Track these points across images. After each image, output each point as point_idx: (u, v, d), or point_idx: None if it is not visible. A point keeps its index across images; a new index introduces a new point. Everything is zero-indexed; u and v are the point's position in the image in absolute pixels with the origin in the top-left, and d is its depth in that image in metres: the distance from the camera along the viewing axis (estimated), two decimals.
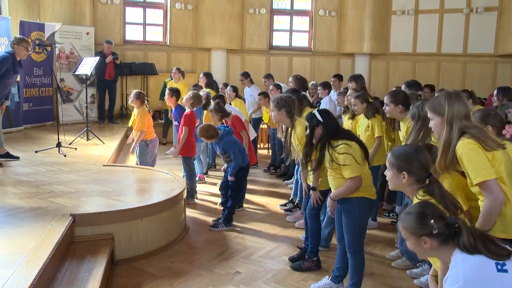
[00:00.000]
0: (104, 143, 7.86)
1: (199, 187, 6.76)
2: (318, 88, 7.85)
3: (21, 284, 2.90)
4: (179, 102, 6.93)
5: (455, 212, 2.34)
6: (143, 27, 12.22)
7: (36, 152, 6.96)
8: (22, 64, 6.45)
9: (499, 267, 1.90)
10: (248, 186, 6.47)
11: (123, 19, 11.88)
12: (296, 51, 12.98)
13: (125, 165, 6.93)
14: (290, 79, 7.74)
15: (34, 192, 4.95)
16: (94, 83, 10.62)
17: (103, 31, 11.37)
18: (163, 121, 10.30)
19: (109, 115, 10.61)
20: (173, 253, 4.60)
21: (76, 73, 8.96)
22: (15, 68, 6.18)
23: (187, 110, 6.32)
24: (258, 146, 9.72)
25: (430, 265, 2.79)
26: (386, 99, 4.58)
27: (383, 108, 4.75)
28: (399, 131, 4.73)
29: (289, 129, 4.40)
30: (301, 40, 13.11)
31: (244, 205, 6.13)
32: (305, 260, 4.34)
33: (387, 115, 4.72)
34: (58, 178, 5.57)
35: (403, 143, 4.51)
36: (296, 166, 5.81)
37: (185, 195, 5.28)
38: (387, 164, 2.64)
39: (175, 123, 7.08)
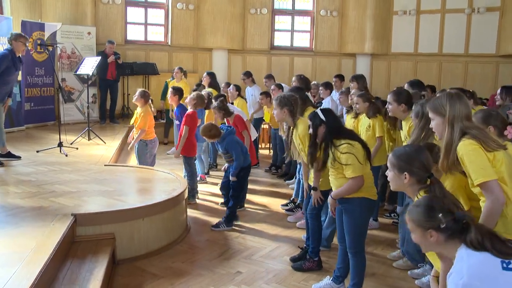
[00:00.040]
0: (105, 143, 7.87)
1: (200, 187, 6.75)
2: (320, 88, 7.84)
3: (23, 283, 2.90)
4: (181, 102, 6.92)
5: None
6: (144, 27, 12.22)
7: (37, 151, 6.97)
8: (22, 60, 6.45)
9: (505, 265, 1.89)
10: (250, 186, 6.48)
11: (124, 19, 11.88)
12: (298, 51, 12.97)
13: (127, 165, 6.93)
14: (294, 78, 7.73)
15: (35, 192, 4.96)
16: (95, 83, 10.63)
17: (104, 31, 11.37)
18: (164, 121, 10.31)
19: (111, 115, 10.62)
20: (174, 253, 4.60)
21: (78, 73, 8.97)
22: (15, 65, 6.19)
23: (189, 110, 6.32)
24: (260, 146, 9.71)
25: (431, 265, 2.79)
26: (389, 98, 4.58)
27: (386, 106, 4.74)
28: (400, 131, 4.73)
29: (291, 128, 4.39)
30: (303, 40, 13.10)
31: (246, 205, 6.13)
32: (307, 260, 4.34)
33: (389, 114, 4.71)
34: (60, 177, 5.58)
35: (404, 143, 4.51)
36: (298, 166, 5.80)
37: (186, 195, 5.28)
38: (388, 164, 2.64)
39: (176, 122, 7.08)
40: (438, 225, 2.02)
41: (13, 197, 4.77)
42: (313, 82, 8.92)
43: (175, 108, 6.94)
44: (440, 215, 2.03)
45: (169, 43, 12.20)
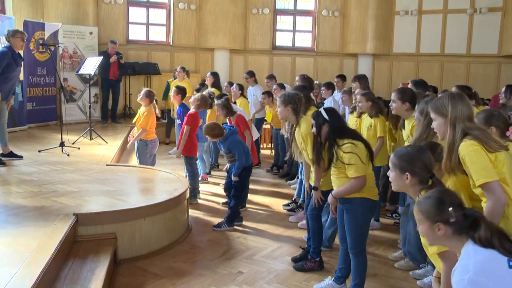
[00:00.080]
0: (107, 142, 7.88)
1: (202, 187, 6.76)
2: (322, 88, 7.84)
3: (25, 283, 2.90)
4: (183, 101, 6.92)
5: None
6: (146, 27, 12.24)
7: (39, 151, 6.98)
8: (22, 57, 6.45)
9: (511, 263, 1.88)
10: (251, 186, 6.48)
11: (126, 19, 11.89)
12: (299, 51, 12.97)
13: (128, 165, 6.94)
14: (297, 78, 7.72)
15: (37, 192, 4.97)
16: (97, 82, 10.65)
17: (106, 31, 11.39)
18: (166, 121, 10.31)
19: (112, 115, 10.63)
20: (176, 253, 4.60)
21: (79, 72, 8.97)
22: (16, 61, 6.20)
23: (192, 110, 6.32)
24: (261, 146, 9.71)
25: (433, 266, 2.79)
26: (393, 96, 4.57)
27: (390, 104, 4.73)
28: (402, 130, 4.71)
29: (294, 126, 4.38)
30: (304, 40, 13.10)
31: (247, 205, 6.13)
32: (308, 261, 4.34)
33: (393, 112, 4.70)
34: (61, 177, 5.58)
35: (406, 142, 4.51)
36: (300, 166, 5.80)
37: (188, 195, 5.28)
38: (390, 165, 2.63)
39: (178, 121, 7.08)
40: (447, 218, 2.01)
41: (15, 197, 4.78)
42: (315, 82, 8.92)
43: (177, 107, 6.93)
44: (451, 209, 2.02)
45: (171, 43, 12.21)
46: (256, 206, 6.27)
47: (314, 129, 3.75)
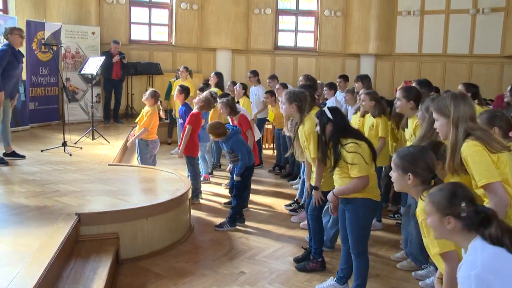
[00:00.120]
0: (109, 142, 7.88)
1: (204, 187, 6.76)
2: (324, 88, 7.83)
3: (27, 282, 2.91)
4: (186, 101, 6.92)
5: None
6: (148, 27, 12.24)
7: (42, 151, 6.99)
8: (23, 53, 6.46)
9: None
10: (253, 187, 6.47)
11: (128, 19, 11.90)
12: (302, 51, 12.97)
13: (131, 165, 6.94)
14: (301, 78, 7.70)
15: (39, 191, 4.97)
16: (99, 82, 10.66)
17: (108, 30, 11.40)
18: (168, 121, 10.32)
19: (115, 115, 10.64)
20: (178, 253, 4.61)
21: (82, 72, 8.99)
22: (17, 58, 6.21)
23: (195, 110, 6.32)
24: (263, 146, 9.71)
25: (435, 267, 2.78)
26: (398, 94, 4.57)
27: (394, 102, 4.73)
28: (405, 130, 4.70)
29: (297, 124, 4.37)
30: (307, 41, 13.10)
31: (249, 205, 6.13)
32: (310, 261, 4.33)
33: (397, 110, 4.69)
34: (64, 177, 5.59)
35: (408, 142, 4.51)
36: (302, 166, 5.79)
37: (190, 195, 5.28)
38: (392, 165, 2.63)
39: (180, 120, 7.08)
40: (458, 212, 1.99)
41: (18, 196, 4.79)
42: (318, 81, 8.91)
43: (180, 106, 6.93)
44: (463, 203, 2.00)
45: (173, 43, 12.22)
46: (258, 206, 6.26)
47: (318, 128, 3.75)
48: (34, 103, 9.53)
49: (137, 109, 10.90)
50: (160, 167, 6.42)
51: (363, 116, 5.62)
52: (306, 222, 5.20)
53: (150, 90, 6.51)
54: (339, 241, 4.33)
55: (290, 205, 6.13)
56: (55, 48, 7.85)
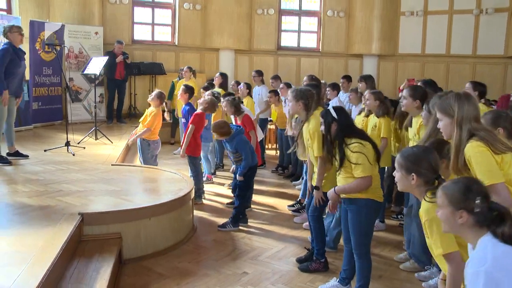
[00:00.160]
0: (112, 142, 7.89)
1: (207, 187, 6.76)
2: (327, 89, 7.82)
3: (30, 282, 2.91)
4: (190, 101, 6.93)
5: None
6: (151, 27, 12.25)
7: (45, 151, 7.00)
8: (24, 51, 6.47)
9: None
10: (256, 187, 6.47)
11: (131, 19, 11.91)
12: (304, 51, 12.96)
13: (133, 165, 6.95)
14: (305, 78, 7.70)
15: (43, 191, 4.98)
16: (102, 82, 10.67)
17: (111, 31, 11.41)
18: (171, 121, 10.32)
19: (118, 115, 10.66)
20: (180, 253, 4.61)
21: (85, 72, 9.00)
22: (19, 56, 6.23)
23: (199, 110, 6.32)
24: (266, 146, 9.70)
25: (439, 268, 2.77)
26: (405, 92, 4.56)
27: (400, 101, 4.71)
28: (408, 129, 4.68)
29: (303, 122, 4.34)
30: (309, 41, 13.08)
31: (252, 205, 6.12)
32: (313, 262, 4.32)
33: (402, 109, 4.67)
34: (67, 177, 5.60)
35: (411, 141, 4.49)
36: (304, 166, 5.78)
37: (193, 195, 5.28)
38: (396, 165, 2.62)
39: (183, 120, 7.09)
40: (472, 208, 1.96)
41: (21, 196, 4.79)
42: (321, 81, 8.89)
43: (183, 105, 6.93)
44: (478, 198, 1.96)
45: (176, 43, 12.23)
46: (261, 206, 6.26)
47: (322, 128, 3.73)
48: (38, 103, 9.55)
49: (140, 109, 10.91)
50: (163, 167, 6.43)
51: (367, 116, 5.61)
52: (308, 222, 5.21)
53: (156, 91, 6.54)
54: (342, 241, 4.33)
55: (293, 205, 6.12)
56: (58, 48, 7.86)
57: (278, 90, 7.90)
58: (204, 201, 6.32)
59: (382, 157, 5.10)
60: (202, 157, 6.98)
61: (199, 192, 6.23)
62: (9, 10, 9.87)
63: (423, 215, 2.46)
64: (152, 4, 12.22)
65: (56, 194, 4.86)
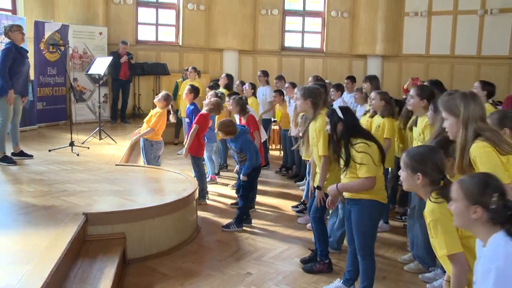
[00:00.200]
0: (116, 142, 7.91)
1: (211, 187, 6.76)
2: (331, 89, 7.81)
3: (35, 282, 2.91)
4: (194, 101, 6.93)
5: None
6: (155, 27, 12.28)
7: (49, 151, 7.02)
8: (26, 49, 6.49)
9: None
10: (260, 187, 6.46)
11: (135, 19, 11.94)
12: (308, 52, 12.95)
13: (137, 165, 6.95)
14: (310, 79, 7.70)
15: (47, 191, 4.99)
16: (106, 82, 10.70)
17: (116, 31, 11.44)
18: (175, 121, 10.33)
19: (122, 115, 10.68)
20: (184, 253, 4.61)
21: (89, 72, 9.03)
22: (22, 54, 6.25)
23: (203, 111, 6.31)
24: (270, 147, 9.70)
25: (443, 269, 2.76)
26: (412, 91, 4.55)
27: (407, 100, 4.70)
28: (413, 129, 4.67)
29: (310, 120, 4.31)
30: (313, 41, 13.08)
31: (256, 206, 6.12)
32: (317, 262, 4.31)
33: (409, 108, 4.66)
34: (71, 177, 5.61)
35: (416, 141, 4.48)
36: (308, 167, 5.77)
37: (197, 195, 5.28)
38: (401, 164, 2.60)
39: (186, 119, 7.09)
40: (488, 204, 1.93)
41: (26, 196, 4.81)
42: (326, 81, 8.88)
43: (188, 105, 6.94)
44: (495, 195, 1.93)
45: (180, 44, 12.24)
46: (265, 207, 6.25)
47: (328, 127, 3.72)
48: (42, 103, 9.58)
49: (144, 110, 10.93)
50: (166, 168, 6.43)
51: (372, 117, 5.59)
52: None
53: (163, 92, 6.55)
54: (346, 242, 4.32)
55: (297, 206, 6.11)
56: (62, 48, 7.89)
57: (283, 90, 7.89)
58: (208, 202, 6.32)
59: (387, 157, 5.11)
60: (205, 158, 6.98)
61: (203, 192, 6.23)
62: (14, 10, 9.92)
63: (428, 216, 2.44)
64: (156, 4, 12.25)
65: (60, 194, 4.87)
